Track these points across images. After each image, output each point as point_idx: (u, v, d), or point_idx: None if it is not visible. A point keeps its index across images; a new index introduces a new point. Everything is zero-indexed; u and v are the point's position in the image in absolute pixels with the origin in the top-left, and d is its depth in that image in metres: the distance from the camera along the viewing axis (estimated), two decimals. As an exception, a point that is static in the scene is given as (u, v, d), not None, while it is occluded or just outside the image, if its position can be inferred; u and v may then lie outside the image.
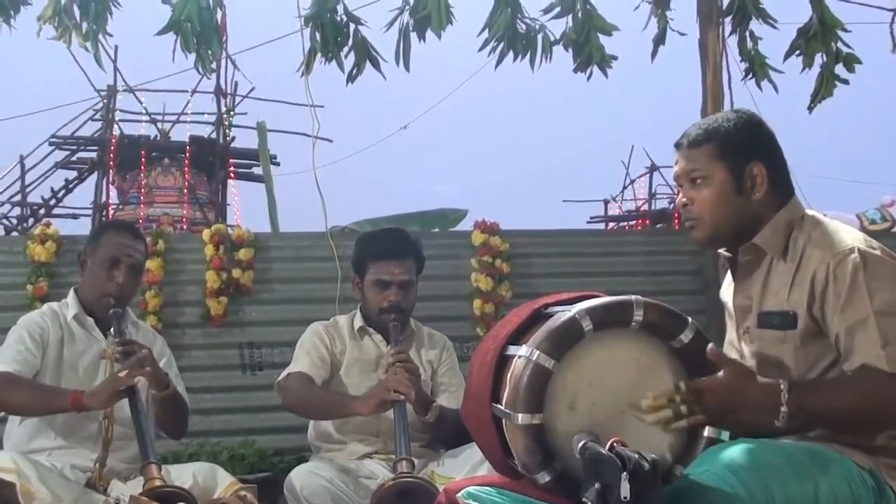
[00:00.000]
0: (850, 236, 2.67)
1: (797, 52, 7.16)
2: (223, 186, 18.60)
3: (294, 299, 6.94)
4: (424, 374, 4.40)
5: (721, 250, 2.98)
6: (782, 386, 2.47)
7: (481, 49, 6.90)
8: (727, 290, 3.03)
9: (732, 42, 7.31)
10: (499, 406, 2.49)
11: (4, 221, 19.08)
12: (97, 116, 18.81)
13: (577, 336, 2.40)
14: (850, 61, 7.12)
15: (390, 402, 3.96)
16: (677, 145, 2.92)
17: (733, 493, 2.27)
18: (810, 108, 7.35)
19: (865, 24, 7.86)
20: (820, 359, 2.66)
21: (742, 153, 2.80)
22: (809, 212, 2.83)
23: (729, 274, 3.02)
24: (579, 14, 6.89)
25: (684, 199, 2.87)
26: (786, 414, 2.45)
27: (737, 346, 2.90)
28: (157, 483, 3.60)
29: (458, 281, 7.14)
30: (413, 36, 6.63)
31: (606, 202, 22.44)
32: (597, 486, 2.13)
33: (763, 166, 2.80)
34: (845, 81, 7.18)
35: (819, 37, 7.03)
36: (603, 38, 6.93)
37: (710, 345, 2.46)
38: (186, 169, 18.28)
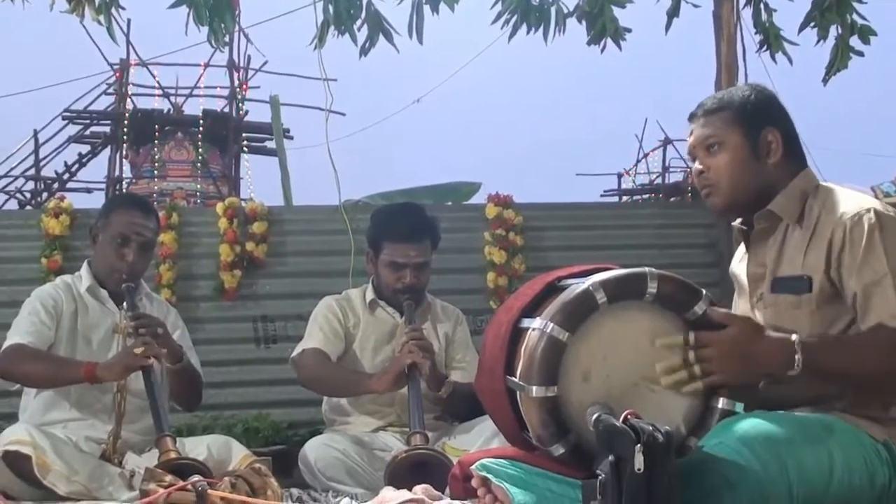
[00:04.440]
0: (866, 199, 2.68)
1: (812, 23, 7.10)
2: (236, 160, 18.60)
3: (308, 272, 6.94)
4: (439, 346, 4.41)
5: (735, 222, 2.97)
6: (794, 337, 2.48)
7: (494, 22, 6.88)
8: (739, 264, 3.03)
9: (747, 14, 7.25)
10: (513, 379, 2.49)
11: (18, 195, 19.09)
12: (110, 90, 18.76)
13: (590, 308, 2.40)
14: (866, 33, 7.06)
15: (405, 378, 3.98)
16: (692, 116, 2.93)
17: (747, 465, 2.28)
18: (825, 81, 7.29)
19: (882, -5, 7.81)
20: (835, 322, 2.66)
21: (757, 119, 2.82)
22: (823, 182, 2.83)
23: (741, 248, 3.02)
24: (593, -14, 6.85)
25: (700, 167, 2.87)
26: (800, 363, 2.45)
27: (751, 315, 2.90)
28: (173, 455, 3.62)
29: (471, 254, 7.13)
30: (426, 9, 6.61)
31: (620, 176, 22.36)
32: (611, 458, 2.13)
33: (777, 132, 2.81)
34: (860, 53, 7.12)
35: (834, 8, 6.96)
36: (617, 11, 6.87)
37: (712, 308, 2.47)
38: (199, 143, 18.27)
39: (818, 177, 2.89)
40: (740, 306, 3.00)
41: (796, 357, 2.45)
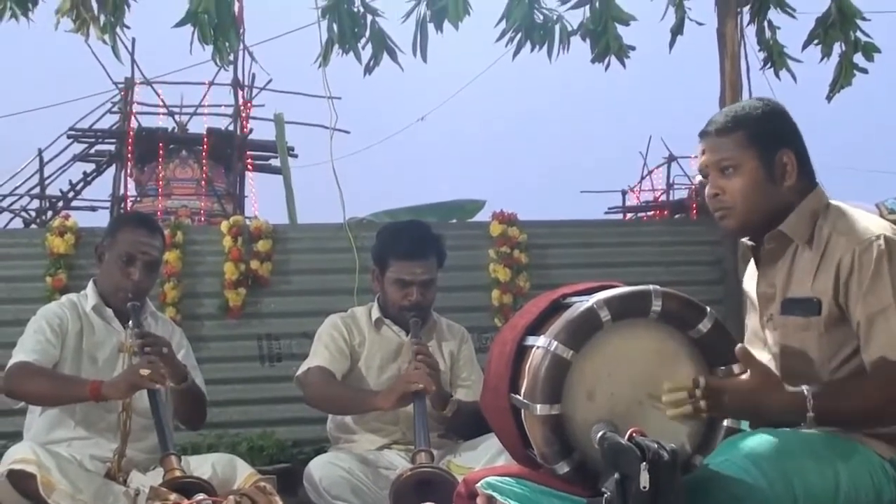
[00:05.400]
0: (876, 224, 2.65)
1: (815, 41, 7.13)
2: (241, 178, 18.62)
3: (312, 290, 6.95)
4: (445, 365, 4.40)
5: (744, 239, 2.96)
6: (807, 393, 2.46)
7: (498, 40, 6.91)
8: (750, 280, 3.01)
9: (751, 31, 7.28)
10: (517, 396, 2.49)
11: (23, 214, 19.14)
12: (115, 109, 18.84)
13: (595, 326, 2.40)
14: (869, 50, 7.07)
15: (411, 395, 3.97)
16: (703, 134, 2.87)
17: (753, 483, 2.27)
18: (829, 98, 7.31)
19: (884, 12, 7.83)
20: (843, 345, 2.64)
21: (772, 141, 2.78)
22: (833, 201, 2.81)
23: (752, 265, 3.00)
24: (597, 4, 6.87)
25: (714, 190, 2.84)
26: (812, 419, 2.45)
27: (760, 334, 2.89)
28: (177, 474, 3.62)
29: (476, 272, 7.15)
30: (430, 27, 6.63)
31: (624, 193, 22.40)
32: (616, 476, 2.13)
33: (792, 154, 2.78)
34: (864, 70, 7.13)
35: (837, 26, 6.99)
36: (620, 28, 6.90)
37: (739, 345, 2.45)
38: (204, 161, 18.29)
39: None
40: (751, 324, 3.00)
41: (808, 405, 2.44)
